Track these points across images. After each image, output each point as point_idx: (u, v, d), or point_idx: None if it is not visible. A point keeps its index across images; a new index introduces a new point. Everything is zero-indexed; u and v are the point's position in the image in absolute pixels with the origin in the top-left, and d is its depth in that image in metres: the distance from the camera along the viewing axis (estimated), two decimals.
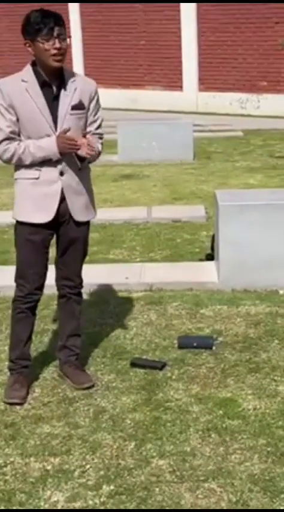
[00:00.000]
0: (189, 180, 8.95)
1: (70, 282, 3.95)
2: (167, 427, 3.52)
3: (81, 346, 4.07)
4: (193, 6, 15.33)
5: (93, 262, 5.96)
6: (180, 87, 15.91)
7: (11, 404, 3.78)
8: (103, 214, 7.34)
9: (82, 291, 5.06)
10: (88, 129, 3.76)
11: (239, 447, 3.35)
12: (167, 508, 2.96)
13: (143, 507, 2.97)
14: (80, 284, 3.99)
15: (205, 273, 5.46)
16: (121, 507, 2.97)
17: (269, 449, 3.32)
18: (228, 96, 15.21)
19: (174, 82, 15.95)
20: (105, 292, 5.21)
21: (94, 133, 3.78)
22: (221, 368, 4.09)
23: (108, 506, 2.98)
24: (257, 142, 11.63)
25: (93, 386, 3.91)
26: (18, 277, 3.85)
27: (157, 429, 3.51)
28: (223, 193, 5.69)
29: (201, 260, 5.88)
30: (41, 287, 3.86)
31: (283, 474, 3.14)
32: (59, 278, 3.96)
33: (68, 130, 3.60)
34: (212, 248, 5.76)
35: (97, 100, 3.78)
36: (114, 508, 2.97)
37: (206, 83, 15.60)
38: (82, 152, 3.61)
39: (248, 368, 4.07)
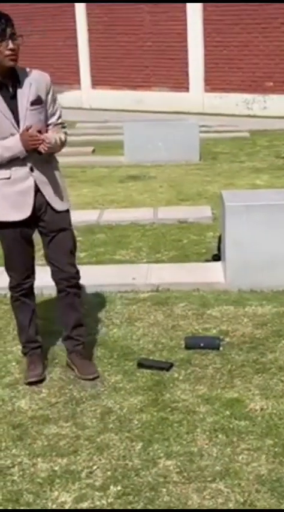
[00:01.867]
0: (195, 181, 8.94)
1: (65, 273, 3.99)
2: (174, 427, 3.53)
3: (86, 335, 4.17)
4: (199, 7, 15.33)
5: (99, 263, 5.98)
6: (186, 88, 15.91)
7: (31, 384, 3.93)
8: (110, 215, 7.38)
9: (89, 291, 5.09)
10: (49, 121, 3.82)
11: (246, 448, 3.35)
12: (174, 509, 2.96)
13: (150, 507, 2.97)
14: (77, 274, 4.04)
15: (212, 274, 5.46)
16: (129, 507, 2.98)
17: (276, 449, 3.32)
18: (234, 96, 15.19)
19: (180, 83, 15.95)
20: (112, 292, 5.22)
21: (56, 124, 3.85)
22: (228, 368, 4.09)
23: (116, 507, 2.99)
24: (263, 143, 11.61)
25: (98, 377, 3.98)
26: (7, 269, 4.01)
27: (164, 430, 3.51)
28: (230, 194, 5.68)
29: (207, 261, 5.88)
30: (29, 275, 4.01)
31: None
32: (54, 273, 4.02)
33: (30, 127, 3.66)
34: (218, 249, 5.76)
35: (53, 91, 3.83)
36: (122, 508, 2.97)
37: (212, 83, 15.59)
38: (40, 148, 3.66)
39: (255, 368, 4.07)
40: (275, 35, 14.62)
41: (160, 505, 2.98)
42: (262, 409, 3.65)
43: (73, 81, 17.43)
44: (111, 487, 3.11)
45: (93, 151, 11.00)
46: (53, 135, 3.76)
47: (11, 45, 3.59)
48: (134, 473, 3.19)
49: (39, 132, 3.68)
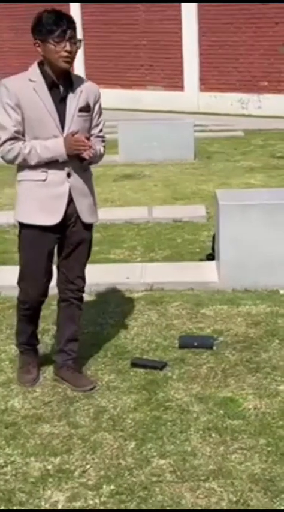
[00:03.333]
0: (190, 180, 8.94)
1: (73, 285, 3.91)
2: (167, 426, 3.52)
3: (78, 351, 4.04)
4: (194, 6, 15.33)
5: (93, 262, 5.93)
6: (181, 87, 15.91)
7: (23, 386, 3.90)
8: (104, 214, 7.34)
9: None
10: (92, 132, 3.76)
11: (239, 447, 3.34)
12: (167, 508, 2.96)
13: (143, 507, 2.97)
14: (83, 288, 3.96)
15: (206, 273, 5.46)
16: (122, 507, 2.97)
17: (269, 449, 3.32)
18: (229, 96, 15.20)
19: (175, 82, 15.95)
20: (106, 292, 5.21)
21: (97, 136, 3.79)
22: (221, 368, 4.09)
23: (109, 506, 2.98)
24: (258, 142, 11.62)
25: (94, 388, 3.89)
26: (22, 281, 3.82)
27: (157, 429, 3.51)
28: (224, 193, 5.68)
29: (201, 260, 5.88)
30: (46, 292, 3.85)
31: (283, 474, 3.13)
32: (62, 281, 3.91)
33: (76, 132, 3.59)
34: (213, 248, 5.76)
35: (100, 103, 3.79)
36: (115, 507, 2.97)
37: (207, 83, 15.60)
38: (84, 154, 3.59)
39: (248, 368, 4.07)
40: (270, 35, 14.63)
41: (153, 505, 2.98)
42: (255, 408, 3.65)
43: None
44: (104, 486, 3.10)
45: None
46: (96, 145, 3.71)
47: (68, 47, 3.52)
48: (127, 472, 3.19)
49: (87, 138, 3.63)
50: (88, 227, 3.83)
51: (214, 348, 4.30)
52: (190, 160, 10.09)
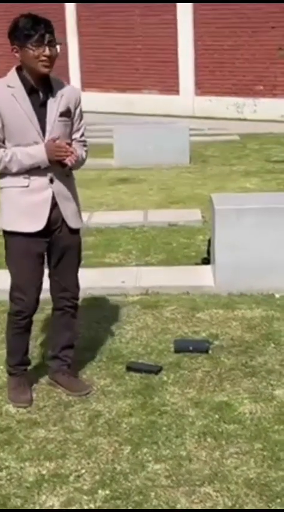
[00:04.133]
0: (185, 184, 8.95)
1: (68, 293, 3.86)
2: (163, 431, 3.51)
3: (73, 357, 4.00)
4: (189, 10, 15.36)
5: (88, 266, 5.95)
6: (176, 91, 15.93)
7: (19, 407, 3.77)
8: (100, 218, 7.36)
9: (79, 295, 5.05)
10: (73, 136, 3.72)
11: (235, 451, 3.34)
12: (165, 508, 2.95)
13: None
14: (77, 295, 3.92)
15: (201, 277, 5.46)
16: None
17: (265, 453, 3.31)
18: (225, 100, 15.22)
19: (171, 86, 15.96)
20: (101, 296, 5.20)
21: (78, 141, 3.75)
22: (217, 372, 4.08)
23: None
24: (253, 146, 11.63)
25: (90, 392, 3.88)
26: (14, 291, 3.74)
27: (153, 433, 3.50)
28: (219, 197, 5.68)
29: (197, 264, 5.88)
30: (38, 299, 3.78)
31: (278, 478, 3.13)
32: (56, 290, 3.86)
33: (57, 138, 3.56)
34: (208, 252, 5.75)
35: (81, 107, 3.76)
36: None
37: (202, 87, 15.63)
38: (66, 160, 3.56)
39: (244, 372, 4.07)
40: (266, 39, 14.67)
41: (148, 509, 2.96)
42: (251, 413, 3.65)
43: None
44: (99, 491, 3.09)
45: None
46: (78, 150, 3.66)
47: (47, 52, 3.47)
48: (122, 477, 3.18)
49: (69, 144, 3.59)
50: (75, 232, 3.79)
51: (210, 352, 4.29)
52: (185, 164, 10.10)
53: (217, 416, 3.63)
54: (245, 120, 14.72)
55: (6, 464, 3.31)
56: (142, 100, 16.18)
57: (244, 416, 3.62)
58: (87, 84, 17.30)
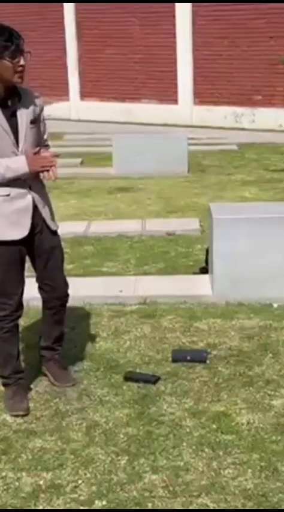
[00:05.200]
0: (184, 193, 8.95)
1: (59, 292, 3.96)
2: (160, 441, 3.50)
3: (63, 345, 4.15)
4: (188, 20, 15.41)
5: (86, 275, 5.96)
6: (175, 101, 15.95)
7: (17, 416, 3.79)
8: (98, 227, 7.36)
9: (76, 304, 5.07)
10: (41, 141, 3.81)
11: (232, 462, 3.33)
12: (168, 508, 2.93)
13: None
14: (67, 292, 4.00)
15: (199, 286, 5.45)
16: None
17: (262, 464, 3.30)
18: (223, 109, 15.25)
19: (169, 95, 15.99)
20: (99, 305, 5.20)
21: (45, 145, 3.85)
22: (215, 382, 4.07)
23: None
24: (252, 155, 11.65)
25: (73, 385, 4.02)
26: (0, 297, 3.78)
27: (150, 444, 3.49)
28: (218, 207, 5.69)
29: (195, 273, 5.87)
30: (21, 303, 3.86)
31: (276, 489, 3.12)
32: (47, 292, 3.93)
33: (38, 151, 3.64)
34: (206, 261, 5.75)
35: (43, 111, 3.83)
36: None
37: (201, 96, 15.65)
38: (50, 172, 3.64)
39: (242, 382, 4.06)
40: (264, 49, 14.71)
41: None
42: (248, 423, 3.64)
43: (62, 92, 17.45)
44: (96, 501, 3.08)
45: (82, 162, 11.00)
46: (49, 153, 3.74)
47: (22, 62, 3.52)
48: (119, 487, 3.17)
49: (56, 156, 3.67)
50: (55, 233, 3.90)
51: (207, 361, 4.29)
52: (184, 173, 10.10)
53: (214, 426, 3.62)
54: (243, 129, 14.74)
55: (3, 474, 3.30)
56: (141, 109, 16.21)
57: (242, 427, 3.61)
58: (86, 93, 17.34)
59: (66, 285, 3.99)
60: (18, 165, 3.59)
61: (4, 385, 3.94)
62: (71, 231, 6.93)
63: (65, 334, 4.16)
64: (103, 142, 12.13)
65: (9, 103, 3.61)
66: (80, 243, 6.79)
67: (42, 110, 3.78)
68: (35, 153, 3.63)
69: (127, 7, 16.06)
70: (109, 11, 16.37)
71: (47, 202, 3.85)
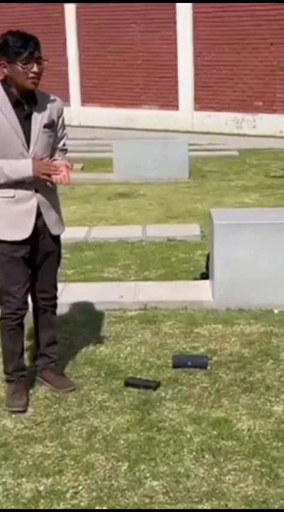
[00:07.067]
0: (184, 199, 8.96)
1: (47, 294, 4.02)
2: (161, 447, 3.49)
3: (59, 353, 4.15)
4: (189, 26, 15.44)
5: (87, 280, 5.95)
6: (175, 107, 15.98)
7: (13, 412, 3.83)
8: (98, 233, 7.36)
9: (77, 309, 5.07)
10: (57, 145, 3.85)
11: (233, 468, 3.32)
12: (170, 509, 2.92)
13: None
14: (56, 295, 4.08)
15: (200, 292, 5.45)
16: None
17: (263, 470, 3.29)
18: (224, 115, 15.28)
19: (170, 101, 16.02)
20: (99, 310, 5.19)
21: (62, 150, 3.90)
22: (215, 388, 4.06)
23: None
24: (252, 161, 11.66)
25: (74, 390, 4.00)
26: (4, 294, 3.87)
27: (150, 450, 3.48)
28: (218, 212, 5.68)
29: (195, 279, 5.87)
30: (26, 301, 3.93)
31: (277, 495, 3.11)
32: (35, 291, 4.01)
33: (44, 158, 3.69)
34: (207, 267, 5.75)
35: (63, 117, 3.86)
36: None
37: (202, 102, 15.68)
38: (54, 178, 3.68)
39: (242, 388, 4.05)
40: (265, 55, 14.74)
41: None
42: (249, 429, 3.63)
43: (63, 98, 17.42)
44: (97, 507, 3.07)
45: (82, 168, 11.01)
46: (62, 163, 3.78)
47: (35, 69, 3.57)
48: (120, 493, 3.16)
49: (67, 167, 3.72)
50: (57, 238, 3.94)
51: (208, 367, 4.28)
52: (184, 179, 10.11)
53: (215, 432, 3.61)
54: (244, 135, 14.76)
55: (3, 480, 3.29)
56: (142, 115, 16.24)
57: (242, 433, 3.60)
58: (87, 99, 17.37)
59: (54, 288, 4.05)
60: (23, 168, 3.64)
61: (7, 381, 4.02)
62: (71, 237, 6.92)
63: (57, 342, 4.16)
64: (104, 148, 12.15)
65: (25, 105, 3.66)
66: (81, 249, 6.79)
67: (60, 115, 3.82)
68: (42, 159, 3.67)
69: (128, 13, 16.11)
70: (110, 17, 16.41)
71: (55, 206, 3.88)
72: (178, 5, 15.44)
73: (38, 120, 3.68)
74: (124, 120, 16.13)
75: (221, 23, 15.03)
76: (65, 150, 3.93)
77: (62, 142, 3.89)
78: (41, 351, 4.12)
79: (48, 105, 3.74)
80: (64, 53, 17.43)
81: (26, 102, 3.67)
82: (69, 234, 6.98)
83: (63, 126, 3.88)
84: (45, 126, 3.70)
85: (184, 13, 15.43)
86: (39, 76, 3.61)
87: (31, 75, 3.58)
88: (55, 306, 4.11)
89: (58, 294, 4.13)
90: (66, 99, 17.52)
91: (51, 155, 3.81)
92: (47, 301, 4.04)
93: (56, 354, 4.13)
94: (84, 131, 15.52)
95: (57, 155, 3.85)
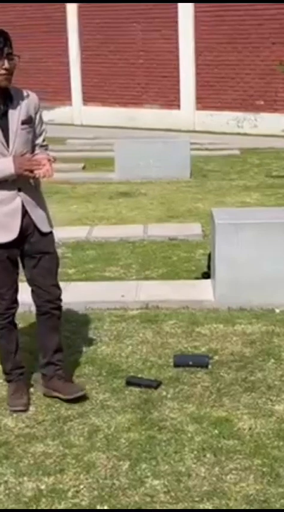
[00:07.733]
0: (186, 198, 8.96)
1: (51, 295, 3.91)
2: (162, 446, 3.50)
3: (64, 359, 4.07)
4: (190, 26, 15.44)
5: (88, 279, 5.95)
6: (177, 106, 15.98)
7: (15, 411, 3.82)
8: (100, 232, 7.36)
9: (78, 308, 5.07)
10: (36, 142, 3.80)
11: (234, 467, 3.32)
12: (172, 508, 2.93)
13: None
14: (60, 296, 3.97)
15: (201, 291, 5.45)
16: None
17: (264, 469, 3.30)
18: (225, 115, 15.27)
19: (172, 101, 16.02)
20: (101, 309, 5.19)
21: (41, 146, 3.84)
22: (216, 387, 4.06)
23: None
24: (254, 161, 11.66)
25: (85, 395, 3.92)
26: None
27: (151, 449, 3.48)
28: (220, 212, 5.68)
29: (197, 278, 5.87)
30: (16, 300, 3.89)
31: (278, 495, 3.11)
32: (38, 295, 3.92)
33: (25, 154, 3.65)
34: (208, 266, 5.75)
35: (41, 112, 3.83)
36: None
37: (203, 101, 15.67)
38: (37, 173, 3.64)
39: (244, 387, 4.05)
40: (266, 55, 14.73)
41: None
42: (250, 429, 3.63)
43: (65, 97, 17.49)
44: (98, 506, 3.07)
45: (84, 167, 11.02)
46: (44, 157, 3.74)
47: (6, 65, 3.53)
48: (121, 492, 3.16)
49: (51, 160, 3.68)
50: (47, 235, 3.86)
51: (209, 367, 4.28)
52: (186, 178, 10.11)
53: (216, 431, 3.61)
54: (245, 134, 14.76)
55: (5, 479, 3.29)
56: (143, 114, 16.24)
57: (244, 432, 3.60)
58: (88, 98, 17.37)
59: (58, 289, 3.95)
60: (4, 166, 3.60)
61: (7, 381, 4.01)
62: (72, 236, 6.94)
63: (62, 349, 4.07)
64: (105, 147, 12.15)
65: (1, 104, 3.63)
66: (82, 248, 6.79)
67: (38, 111, 3.78)
68: (23, 155, 3.64)
69: (130, 12, 16.10)
70: (111, 16, 16.41)
71: (40, 204, 3.83)
72: (180, 4, 15.43)
73: (15, 117, 3.64)
74: (125, 120, 16.13)
75: (223, 22, 15.02)
76: (45, 146, 3.87)
77: (41, 139, 3.83)
78: (47, 360, 3.99)
79: (24, 101, 3.69)
80: (66, 53, 17.43)
81: (1, 100, 3.63)
82: (71, 233, 7.05)
83: (41, 122, 3.83)
84: (23, 123, 3.65)
85: (185, 12, 15.42)
86: (11, 73, 3.57)
87: (2, 71, 3.53)
88: (60, 308, 3.98)
89: None
90: (67, 98, 17.55)
91: (32, 152, 3.76)
92: (52, 304, 3.91)
93: (62, 361, 4.02)
94: (86, 130, 15.52)
95: (37, 151, 3.79)
